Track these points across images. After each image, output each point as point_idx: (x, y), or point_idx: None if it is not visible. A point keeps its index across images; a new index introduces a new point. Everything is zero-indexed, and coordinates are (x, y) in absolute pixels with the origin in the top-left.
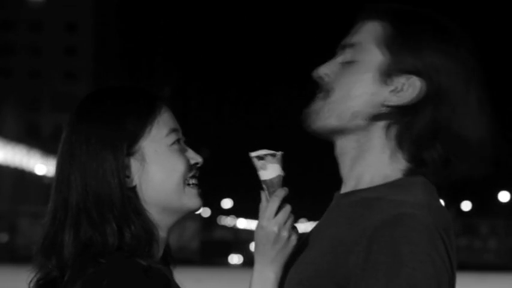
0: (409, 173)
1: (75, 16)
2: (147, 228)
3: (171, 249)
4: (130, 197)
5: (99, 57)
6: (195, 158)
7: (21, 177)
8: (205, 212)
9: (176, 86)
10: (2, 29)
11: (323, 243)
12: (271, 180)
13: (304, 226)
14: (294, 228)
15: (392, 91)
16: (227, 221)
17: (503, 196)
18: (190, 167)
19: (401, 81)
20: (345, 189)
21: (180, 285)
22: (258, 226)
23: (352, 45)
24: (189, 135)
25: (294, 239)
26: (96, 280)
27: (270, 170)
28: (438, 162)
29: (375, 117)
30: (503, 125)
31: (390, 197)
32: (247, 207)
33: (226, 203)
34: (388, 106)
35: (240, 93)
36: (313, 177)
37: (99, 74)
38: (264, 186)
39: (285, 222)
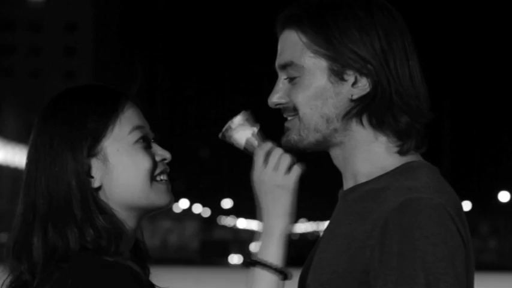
0: (402, 153)
1: (75, 16)
2: (114, 226)
3: (147, 248)
4: (94, 197)
5: (99, 57)
6: (163, 154)
7: (21, 177)
8: (205, 212)
9: (176, 85)
10: (2, 29)
11: (337, 243)
12: (247, 140)
13: (305, 226)
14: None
15: (352, 85)
16: (227, 221)
17: (503, 196)
18: (157, 163)
19: (353, 72)
20: (347, 185)
21: (156, 284)
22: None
23: (290, 64)
24: (189, 134)
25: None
26: (61, 283)
27: (240, 131)
28: (414, 126)
29: (347, 115)
30: (505, 124)
31: (395, 184)
32: (247, 207)
33: (226, 203)
34: (354, 100)
35: (241, 93)
36: (313, 176)
37: (99, 74)
38: (252, 152)
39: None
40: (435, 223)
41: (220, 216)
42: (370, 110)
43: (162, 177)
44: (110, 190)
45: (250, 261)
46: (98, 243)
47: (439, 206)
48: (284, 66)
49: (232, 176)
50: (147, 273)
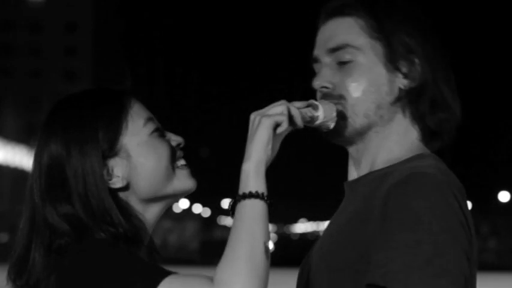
0: (419, 148)
1: (75, 16)
2: (136, 230)
3: (156, 246)
4: (117, 199)
5: (99, 57)
6: (176, 139)
7: (21, 177)
8: (205, 212)
9: (176, 85)
10: (2, 29)
11: (340, 220)
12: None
13: (304, 226)
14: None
15: (404, 75)
16: (227, 221)
17: (503, 196)
18: (175, 150)
19: (406, 63)
20: (356, 174)
21: None
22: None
23: (344, 46)
24: (189, 134)
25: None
26: (61, 266)
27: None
28: (448, 125)
29: (395, 104)
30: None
31: (400, 168)
32: None
33: (226, 203)
34: (404, 90)
35: (240, 92)
36: (314, 177)
37: (99, 74)
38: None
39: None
40: (438, 197)
41: (220, 216)
42: (415, 102)
43: (181, 162)
44: (137, 185)
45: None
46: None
47: (443, 183)
48: (335, 50)
49: (232, 176)
50: None
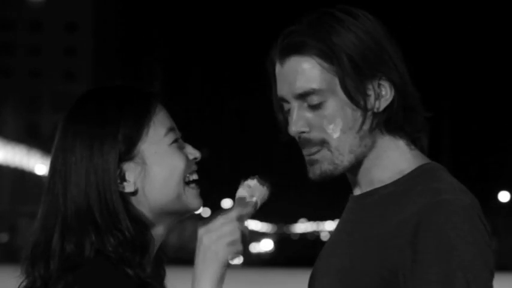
0: (418, 153)
1: (75, 16)
2: (142, 237)
3: (163, 249)
4: (126, 203)
5: (99, 57)
6: (194, 153)
7: (21, 177)
8: (205, 212)
9: (175, 86)
10: (2, 29)
11: (359, 246)
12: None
13: (304, 226)
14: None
15: (375, 98)
16: None
17: (503, 196)
18: (189, 163)
19: (373, 85)
20: (359, 190)
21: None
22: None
23: (311, 91)
24: (188, 135)
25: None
26: (70, 286)
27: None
28: (424, 130)
29: (374, 127)
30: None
31: (418, 187)
32: None
33: (226, 203)
34: (379, 112)
35: (240, 93)
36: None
37: (99, 74)
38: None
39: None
40: (467, 223)
41: None
42: (391, 117)
43: (193, 176)
44: (146, 193)
45: None
46: (120, 253)
47: (468, 207)
48: (303, 95)
49: (232, 176)
50: (163, 275)
